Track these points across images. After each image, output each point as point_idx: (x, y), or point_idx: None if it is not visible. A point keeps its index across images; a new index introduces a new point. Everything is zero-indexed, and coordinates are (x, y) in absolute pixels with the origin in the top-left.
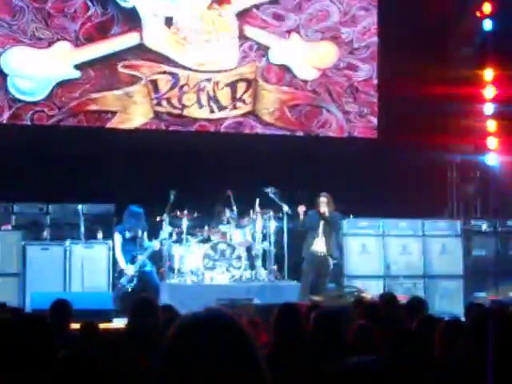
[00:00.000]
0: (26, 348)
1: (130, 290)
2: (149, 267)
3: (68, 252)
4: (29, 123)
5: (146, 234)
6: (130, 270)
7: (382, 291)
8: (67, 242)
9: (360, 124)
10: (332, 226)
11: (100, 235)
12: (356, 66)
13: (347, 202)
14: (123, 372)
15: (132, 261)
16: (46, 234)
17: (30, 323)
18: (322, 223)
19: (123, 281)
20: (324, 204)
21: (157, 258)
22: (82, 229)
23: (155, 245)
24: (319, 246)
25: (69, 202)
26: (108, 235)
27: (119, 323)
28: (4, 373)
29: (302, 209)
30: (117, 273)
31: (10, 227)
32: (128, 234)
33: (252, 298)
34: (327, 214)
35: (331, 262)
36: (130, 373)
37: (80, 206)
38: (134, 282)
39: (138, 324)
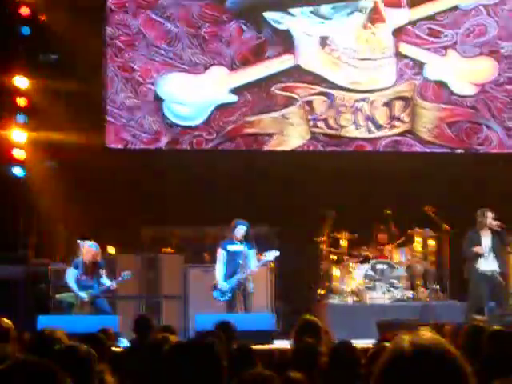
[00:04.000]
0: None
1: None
2: (251, 288)
3: None
4: (187, 148)
5: (252, 252)
6: (224, 285)
7: None
8: None
9: None
10: (502, 241)
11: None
12: None
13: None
14: None
15: (231, 276)
16: (206, 256)
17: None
18: (490, 239)
19: (215, 294)
20: (492, 219)
21: (316, 278)
22: None
23: (256, 268)
24: (487, 264)
25: (227, 225)
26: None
27: (281, 344)
28: None
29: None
30: (212, 286)
31: (171, 250)
32: (230, 249)
33: (415, 319)
34: (497, 228)
35: (501, 280)
36: None
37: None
38: (226, 297)
39: (302, 345)
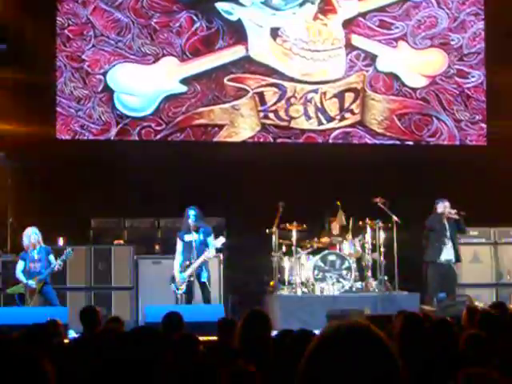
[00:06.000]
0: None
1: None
2: (204, 277)
3: None
4: (136, 139)
5: (210, 239)
6: (179, 277)
7: (493, 300)
8: None
9: (471, 131)
10: (460, 228)
11: None
12: (466, 73)
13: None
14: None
15: (186, 267)
16: (157, 248)
17: (141, 336)
18: (448, 229)
19: (173, 287)
20: (449, 208)
21: (268, 270)
22: None
23: (210, 254)
24: (447, 253)
25: (179, 217)
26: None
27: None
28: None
29: None
30: (170, 279)
31: (122, 242)
32: (186, 239)
33: (363, 309)
34: (455, 216)
35: (455, 270)
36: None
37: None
38: (182, 290)
39: (249, 336)
